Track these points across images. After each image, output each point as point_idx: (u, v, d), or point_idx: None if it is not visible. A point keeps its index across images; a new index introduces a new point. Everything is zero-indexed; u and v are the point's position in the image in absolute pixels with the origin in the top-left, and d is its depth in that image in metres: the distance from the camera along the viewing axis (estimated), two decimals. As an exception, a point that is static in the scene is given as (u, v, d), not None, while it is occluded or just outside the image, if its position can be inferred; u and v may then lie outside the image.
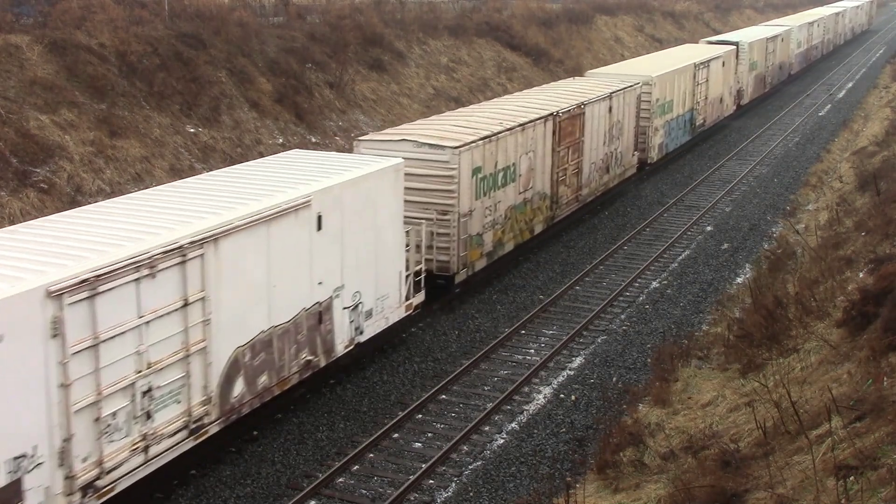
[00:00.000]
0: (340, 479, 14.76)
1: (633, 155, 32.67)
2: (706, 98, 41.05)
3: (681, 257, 26.19)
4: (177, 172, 25.43)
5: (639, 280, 24.22)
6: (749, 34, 53.63)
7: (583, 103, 27.34)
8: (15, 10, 29.69)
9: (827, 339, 15.01)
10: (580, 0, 64.39)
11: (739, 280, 24.13)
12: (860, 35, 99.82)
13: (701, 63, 39.64)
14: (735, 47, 46.31)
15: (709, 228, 29.06)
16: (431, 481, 14.79)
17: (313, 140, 30.93)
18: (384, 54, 39.79)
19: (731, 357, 17.10)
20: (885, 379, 11.75)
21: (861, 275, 17.46)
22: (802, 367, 14.64)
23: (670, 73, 36.08)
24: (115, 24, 28.65)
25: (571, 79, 34.52)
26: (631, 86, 31.51)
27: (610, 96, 29.41)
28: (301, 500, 14.03)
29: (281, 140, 30.18)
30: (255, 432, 15.89)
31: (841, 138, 42.98)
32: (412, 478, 14.64)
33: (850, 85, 61.67)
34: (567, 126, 26.25)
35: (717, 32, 75.29)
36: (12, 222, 20.16)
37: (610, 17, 65.80)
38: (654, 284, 23.95)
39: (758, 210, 31.09)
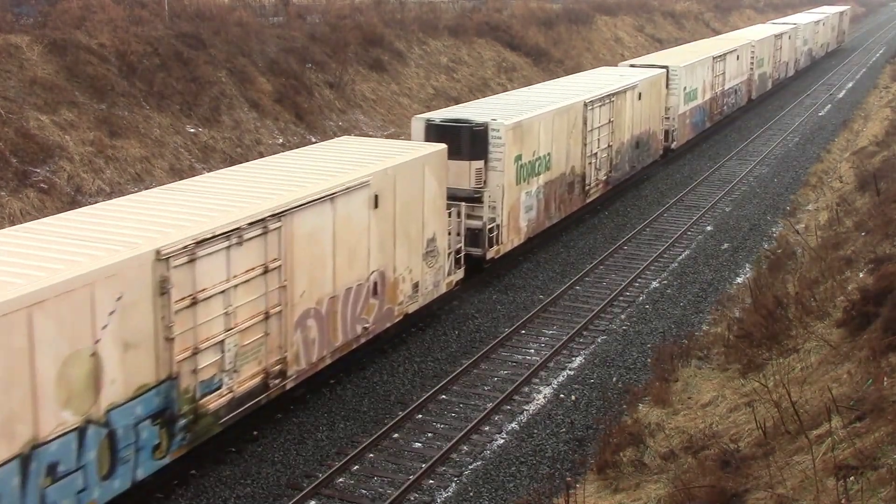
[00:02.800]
0: (340, 479, 14.76)
1: None
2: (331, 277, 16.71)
3: (681, 257, 26.19)
4: (177, 172, 25.43)
5: (639, 280, 24.22)
6: (531, 102, 26.17)
7: None
8: (15, 10, 29.70)
9: (827, 339, 15.01)
10: (580, 0, 64.39)
11: (739, 280, 24.13)
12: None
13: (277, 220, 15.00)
14: (472, 128, 22.31)
15: (709, 228, 29.06)
16: (431, 481, 14.79)
17: (313, 140, 30.92)
18: (384, 54, 39.79)
19: (731, 357, 17.10)
20: (885, 379, 11.75)
21: (861, 275, 17.47)
22: (802, 367, 14.64)
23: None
24: (115, 24, 28.66)
25: None
26: None
27: None
28: (301, 500, 14.03)
29: (281, 140, 30.19)
30: (255, 432, 15.90)
31: (841, 138, 42.98)
32: (412, 478, 14.64)
33: (850, 85, 61.68)
34: None
35: (718, 32, 75.24)
36: (12, 222, 20.16)
37: (610, 17, 65.81)
38: (654, 284, 23.95)
39: (758, 210, 31.09)
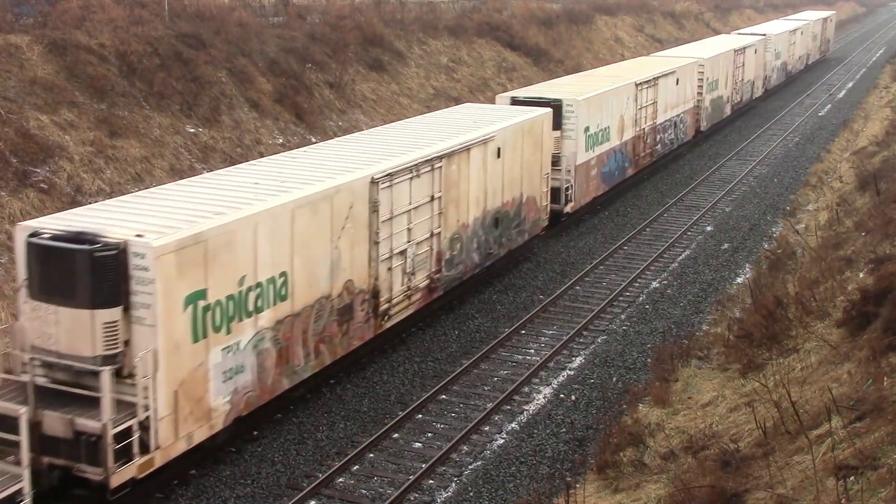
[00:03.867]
0: (340, 479, 14.77)
1: None
2: None
3: (681, 257, 26.19)
4: (177, 172, 25.43)
5: (639, 280, 24.21)
6: (263, 185, 16.08)
7: None
8: (15, 10, 29.67)
9: (827, 339, 15.02)
10: (580, 0, 64.40)
11: (739, 280, 24.13)
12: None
13: None
14: (93, 255, 12.59)
15: (709, 228, 29.06)
16: (431, 481, 14.79)
17: (313, 140, 30.91)
18: (384, 54, 39.79)
19: (731, 357, 17.10)
20: (885, 379, 11.75)
21: (861, 275, 17.47)
22: (802, 367, 14.64)
23: None
24: (115, 24, 28.65)
25: None
26: None
27: None
28: (301, 500, 14.03)
29: (281, 140, 30.18)
30: (255, 432, 15.90)
31: (841, 138, 42.98)
32: (412, 478, 14.64)
33: (850, 85, 61.66)
34: None
35: (718, 32, 75.19)
36: (12, 222, 20.16)
37: (610, 17, 65.80)
38: (654, 284, 23.95)
39: (758, 210, 31.09)
